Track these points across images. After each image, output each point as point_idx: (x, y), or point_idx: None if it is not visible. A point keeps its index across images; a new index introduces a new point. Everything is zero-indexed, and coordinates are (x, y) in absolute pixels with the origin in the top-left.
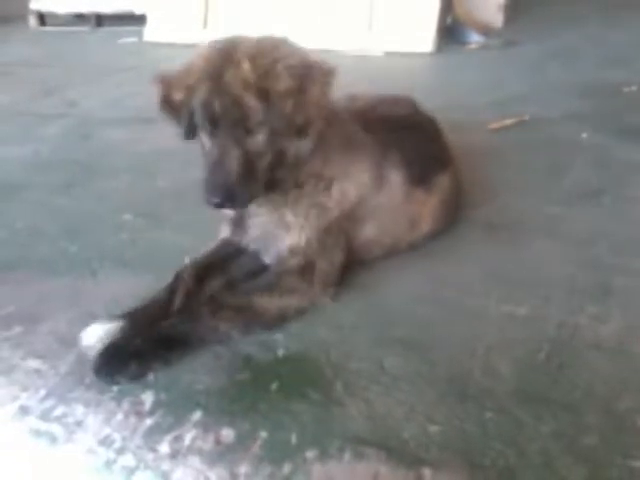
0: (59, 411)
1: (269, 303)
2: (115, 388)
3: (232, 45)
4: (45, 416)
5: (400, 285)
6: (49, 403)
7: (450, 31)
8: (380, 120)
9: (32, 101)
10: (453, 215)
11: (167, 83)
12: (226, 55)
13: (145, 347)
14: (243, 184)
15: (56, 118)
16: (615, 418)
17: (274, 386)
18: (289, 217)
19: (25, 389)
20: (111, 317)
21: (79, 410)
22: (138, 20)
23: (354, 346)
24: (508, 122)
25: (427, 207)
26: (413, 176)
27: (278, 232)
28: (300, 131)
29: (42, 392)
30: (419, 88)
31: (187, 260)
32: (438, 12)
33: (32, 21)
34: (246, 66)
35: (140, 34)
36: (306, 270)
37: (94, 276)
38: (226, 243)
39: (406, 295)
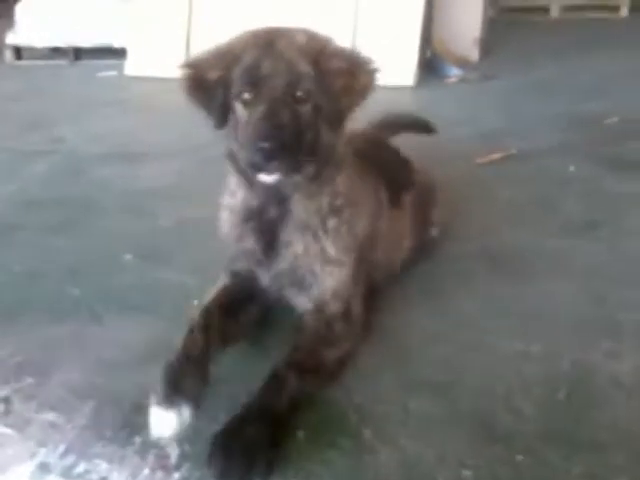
0: (81, 468)
1: (331, 355)
2: (138, 440)
3: (279, 27)
4: (67, 473)
5: (414, 325)
6: (70, 459)
7: (429, 65)
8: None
9: (16, 137)
10: (424, 232)
11: (199, 65)
12: (276, 31)
13: (257, 436)
14: (292, 141)
15: (43, 154)
16: None
17: (301, 434)
18: (331, 250)
19: (43, 444)
20: (166, 398)
21: (102, 466)
22: (117, 54)
23: (377, 389)
24: (495, 156)
25: (404, 224)
26: (391, 197)
27: (317, 267)
28: (340, 116)
29: (61, 447)
30: None
31: (196, 303)
32: (419, 46)
33: (8, 55)
34: (301, 37)
35: (119, 68)
36: (347, 314)
37: (100, 321)
38: (229, 290)
39: (422, 335)
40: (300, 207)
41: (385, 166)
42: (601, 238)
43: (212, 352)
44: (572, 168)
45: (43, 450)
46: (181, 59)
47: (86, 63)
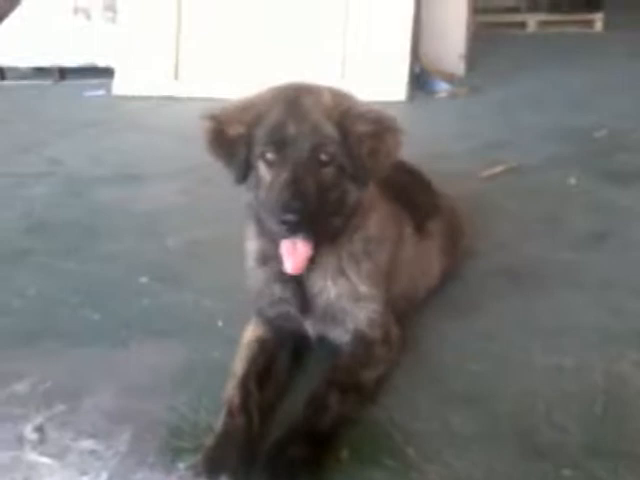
0: None
1: (370, 376)
2: (181, 466)
3: (305, 83)
4: None
5: (443, 342)
6: None
7: (418, 80)
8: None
9: (9, 160)
10: (456, 259)
11: (222, 119)
12: (302, 87)
13: (301, 456)
14: (316, 208)
15: (40, 177)
16: None
17: (345, 454)
18: (363, 288)
19: (84, 473)
20: (209, 473)
21: None
22: (103, 73)
23: (416, 407)
24: (498, 170)
25: (430, 253)
26: (417, 226)
27: (350, 305)
28: (366, 177)
29: (104, 475)
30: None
31: (220, 324)
32: (409, 61)
33: None
34: (328, 96)
35: (106, 87)
36: (387, 338)
37: (126, 346)
38: (261, 343)
39: (454, 352)
40: (330, 257)
41: (409, 193)
42: (611, 250)
43: (254, 431)
44: (572, 180)
45: (85, 478)
46: (170, 77)
47: (71, 83)
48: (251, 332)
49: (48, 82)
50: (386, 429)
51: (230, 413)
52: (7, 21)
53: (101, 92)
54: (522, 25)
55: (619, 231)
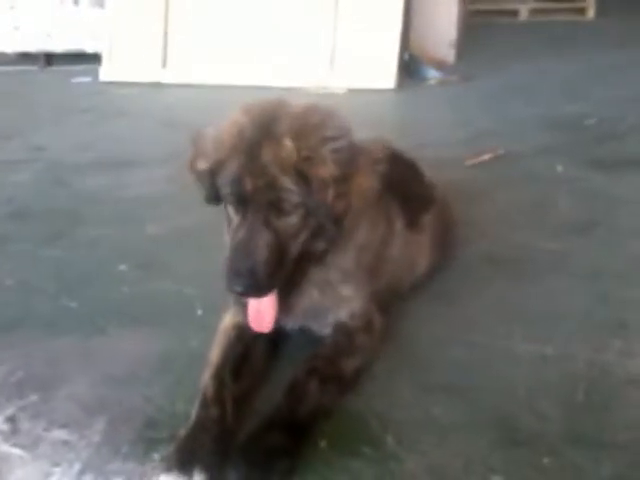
0: None
1: (351, 365)
2: (156, 456)
3: (273, 116)
4: None
5: (424, 330)
6: (87, 478)
7: (408, 67)
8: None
9: None
10: (447, 251)
11: (196, 147)
12: (265, 129)
13: (278, 444)
14: (270, 272)
15: (24, 164)
16: None
17: (324, 443)
18: (345, 291)
19: (56, 464)
20: (181, 465)
21: None
22: (90, 58)
23: (396, 395)
24: (484, 157)
25: (420, 247)
26: (407, 220)
27: (332, 305)
28: (338, 219)
29: (77, 466)
30: (387, 126)
31: (200, 312)
32: (398, 48)
33: None
34: (288, 145)
35: (93, 73)
36: (368, 327)
37: (103, 334)
38: (239, 331)
39: (434, 340)
40: (317, 272)
41: (404, 186)
42: (599, 238)
43: (229, 422)
44: (560, 168)
45: (58, 470)
46: (157, 64)
47: (58, 69)
48: (229, 320)
49: (34, 68)
50: (365, 418)
51: (204, 404)
52: None
53: (88, 78)
54: (514, 13)
55: (606, 219)
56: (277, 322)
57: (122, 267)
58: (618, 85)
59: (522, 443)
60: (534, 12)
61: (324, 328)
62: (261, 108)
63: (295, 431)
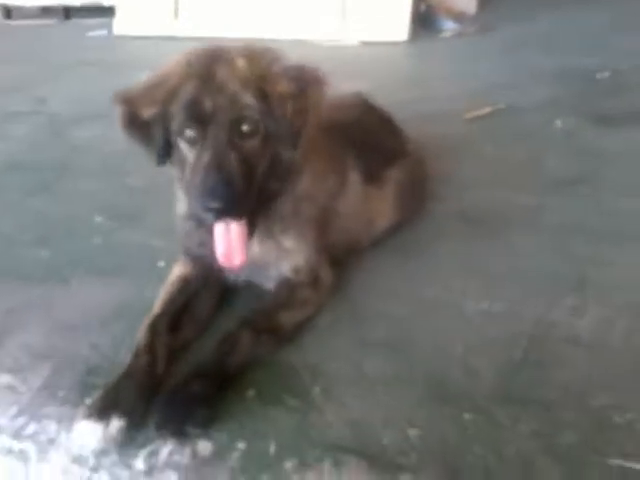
0: (31, 429)
1: (291, 318)
2: (88, 401)
3: (218, 48)
4: (17, 435)
5: (376, 284)
6: (21, 421)
7: (424, 19)
8: (333, 123)
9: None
10: (414, 207)
11: (132, 100)
12: (215, 55)
13: (201, 391)
14: (243, 189)
15: (25, 116)
16: (592, 415)
17: (251, 393)
18: (287, 243)
19: None
20: (100, 411)
21: (52, 427)
22: (107, 12)
23: (332, 348)
24: (483, 111)
25: (382, 202)
26: (366, 174)
27: (274, 259)
28: (295, 137)
29: (14, 409)
30: (395, 79)
31: (161, 264)
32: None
33: None
34: (242, 64)
35: (109, 26)
36: (314, 282)
37: (67, 284)
38: (185, 282)
39: (382, 294)
40: (261, 222)
41: (368, 140)
42: (579, 194)
43: (158, 372)
44: (559, 123)
45: None
46: (170, 16)
47: (76, 22)
48: (176, 270)
49: (53, 21)
50: (297, 369)
51: (136, 353)
52: None
53: (104, 32)
54: None
55: (592, 175)
56: (222, 273)
57: (98, 219)
58: None
59: (448, 399)
60: None
61: (268, 282)
62: (204, 48)
63: (221, 380)
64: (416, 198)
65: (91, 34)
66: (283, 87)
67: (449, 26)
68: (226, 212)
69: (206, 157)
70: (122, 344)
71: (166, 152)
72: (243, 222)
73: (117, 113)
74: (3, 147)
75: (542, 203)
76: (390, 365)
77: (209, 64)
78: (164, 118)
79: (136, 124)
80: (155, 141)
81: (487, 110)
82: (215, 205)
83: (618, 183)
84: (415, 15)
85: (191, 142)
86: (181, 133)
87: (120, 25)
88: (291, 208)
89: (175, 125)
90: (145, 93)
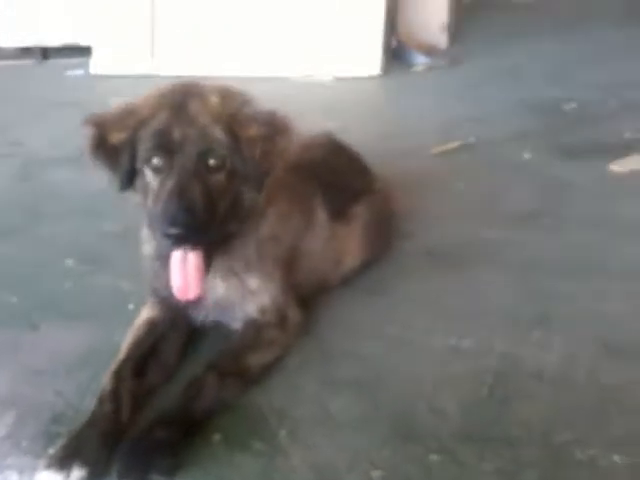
0: None
1: (258, 360)
2: (51, 452)
3: (193, 83)
4: None
5: (343, 323)
6: None
7: (396, 53)
8: (301, 162)
9: None
10: (383, 244)
11: (103, 125)
12: (189, 89)
13: (165, 437)
14: (205, 218)
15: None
16: (554, 452)
17: (217, 437)
18: (251, 283)
19: None
20: (62, 460)
21: (13, 478)
22: (84, 52)
23: (299, 389)
24: (451, 146)
25: (350, 241)
26: (333, 213)
27: (239, 299)
28: (261, 180)
29: None
30: (367, 114)
31: (131, 307)
32: (383, 34)
33: None
34: (215, 100)
35: (87, 65)
36: (282, 322)
37: (35, 329)
38: (152, 325)
39: (350, 332)
40: (221, 261)
41: (335, 179)
42: (542, 227)
43: (123, 419)
44: (527, 155)
45: None
46: (146, 56)
47: (54, 62)
48: (144, 313)
49: (31, 62)
50: (263, 412)
51: (100, 400)
52: None
53: (81, 71)
54: None
55: (556, 208)
56: (189, 315)
57: (69, 262)
58: (607, 67)
59: (413, 439)
60: None
61: (234, 322)
62: (178, 83)
63: (186, 426)
64: (384, 236)
65: (69, 73)
66: (253, 130)
67: (420, 60)
68: (185, 239)
69: (170, 184)
70: (88, 391)
71: (130, 178)
72: (200, 254)
73: (86, 135)
74: None
75: (507, 237)
76: (357, 405)
77: (182, 97)
78: (132, 145)
79: (104, 148)
80: (121, 167)
81: (455, 144)
82: (174, 231)
83: (581, 215)
84: (387, 50)
85: (157, 170)
86: (148, 161)
87: (97, 64)
88: (254, 248)
89: (142, 152)
90: (116, 119)
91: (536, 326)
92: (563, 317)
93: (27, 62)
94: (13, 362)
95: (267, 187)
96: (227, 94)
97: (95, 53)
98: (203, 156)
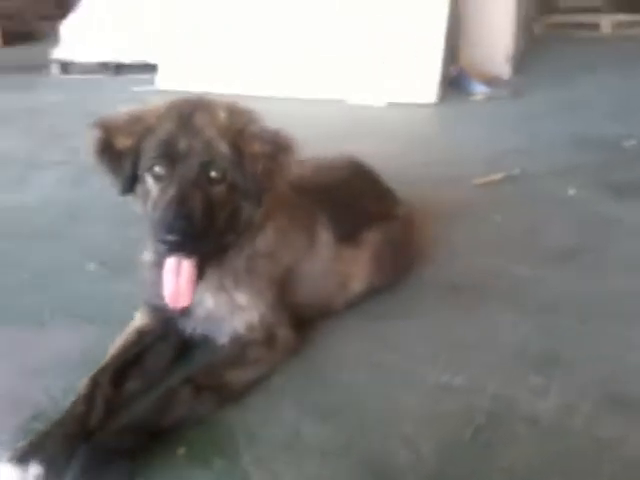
0: None
1: (240, 377)
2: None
3: (202, 98)
4: None
5: (337, 348)
6: None
7: (455, 82)
8: (315, 184)
9: (37, 148)
10: (397, 270)
11: (110, 129)
12: (198, 103)
13: (125, 446)
14: (203, 227)
15: (54, 166)
16: None
17: (181, 451)
18: (241, 299)
19: None
20: (22, 456)
21: None
22: (152, 69)
23: (275, 411)
24: (494, 177)
25: (358, 265)
26: (341, 236)
27: (227, 315)
28: (261, 196)
29: None
30: (417, 141)
31: (135, 314)
32: (441, 62)
33: (54, 70)
34: (222, 115)
35: (153, 82)
36: (269, 340)
37: (42, 327)
38: (141, 333)
39: (342, 358)
40: (213, 274)
41: (348, 202)
42: (576, 268)
43: (92, 423)
44: (571, 192)
45: None
46: (207, 74)
47: (124, 77)
48: (135, 321)
49: (104, 76)
50: (233, 431)
51: (74, 403)
52: (68, 19)
53: (148, 87)
54: (595, 27)
55: (596, 248)
56: (179, 326)
57: (90, 266)
58: None
59: (383, 478)
60: (619, 26)
61: (222, 337)
62: (187, 97)
63: (150, 435)
64: (399, 262)
65: (136, 89)
66: (257, 147)
67: (480, 89)
68: (181, 247)
69: (170, 192)
70: (74, 390)
71: (132, 184)
72: (194, 264)
73: (92, 138)
74: (20, 195)
75: (536, 274)
76: (332, 435)
77: (190, 109)
78: (137, 151)
79: (109, 152)
80: (124, 172)
81: (499, 176)
82: (171, 238)
83: (620, 258)
84: (445, 78)
85: (158, 178)
86: (150, 168)
87: (162, 80)
88: (245, 263)
89: (146, 160)
90: (124, 125)
91: (538, 369)
92: (568, 362)
93: (100, 76)
94: (9, 358)
95: (267, 203)
96: (235, 110)
97: (161, 69)
98: (205, 167)
